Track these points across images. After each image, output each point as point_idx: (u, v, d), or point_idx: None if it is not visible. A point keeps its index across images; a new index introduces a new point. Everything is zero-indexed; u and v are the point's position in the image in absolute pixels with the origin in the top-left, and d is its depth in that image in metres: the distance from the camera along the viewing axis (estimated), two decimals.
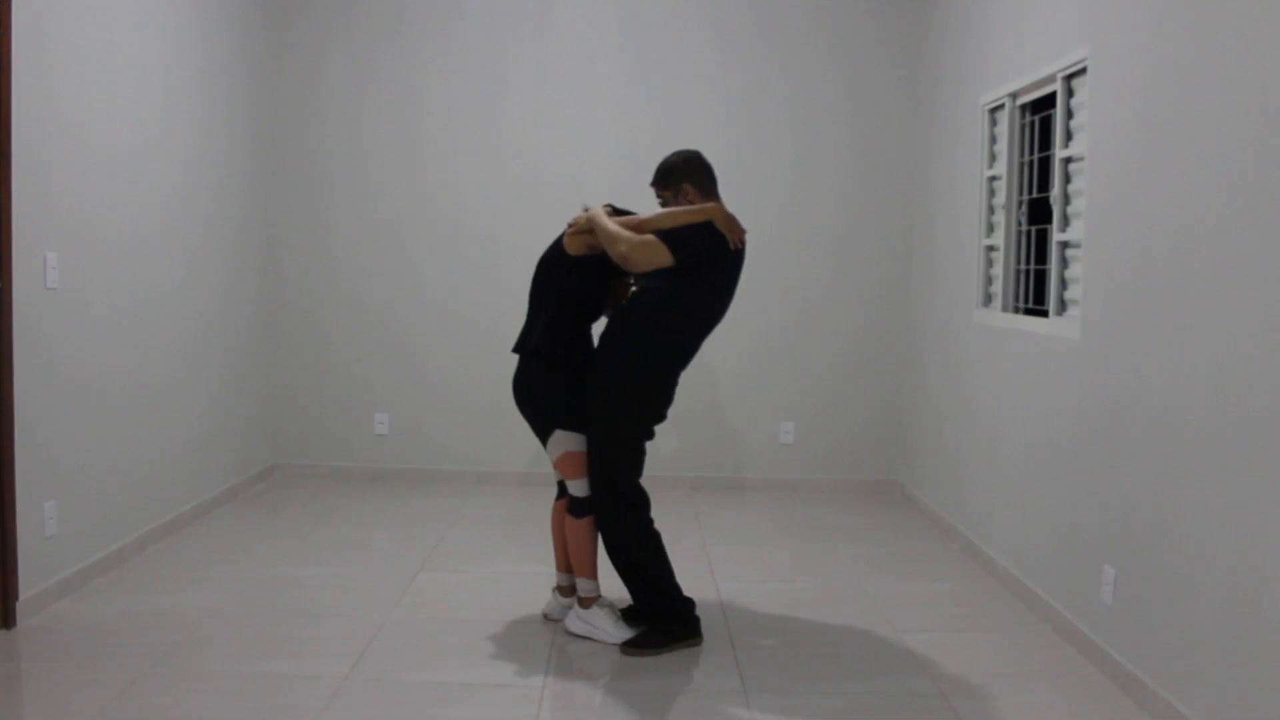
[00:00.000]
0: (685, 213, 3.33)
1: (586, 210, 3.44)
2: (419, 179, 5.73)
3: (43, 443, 3.60)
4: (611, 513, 3.45)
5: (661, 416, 3.49)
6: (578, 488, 3.48)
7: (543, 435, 3.49)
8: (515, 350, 3.56)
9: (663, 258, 3.27)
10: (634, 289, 3.54)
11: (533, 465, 5.79)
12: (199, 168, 4.85)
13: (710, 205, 3.34)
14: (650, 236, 3.28)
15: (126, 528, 4.21)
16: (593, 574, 3.51)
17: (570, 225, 3.45)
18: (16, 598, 3.46)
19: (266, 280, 5.70)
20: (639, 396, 3.42)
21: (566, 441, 3.45)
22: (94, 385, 3.94)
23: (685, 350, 3.44)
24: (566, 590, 3.64)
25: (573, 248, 3.43)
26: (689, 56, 5.66)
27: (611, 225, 3.32)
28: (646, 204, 3.60)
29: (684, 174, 3.46)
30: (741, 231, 3.38)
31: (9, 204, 3.37)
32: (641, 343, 3.38)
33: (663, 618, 3.47)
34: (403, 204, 5.74)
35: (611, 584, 3.78)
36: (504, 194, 5.71)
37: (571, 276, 3.46)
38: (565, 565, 3.65)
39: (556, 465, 3.49)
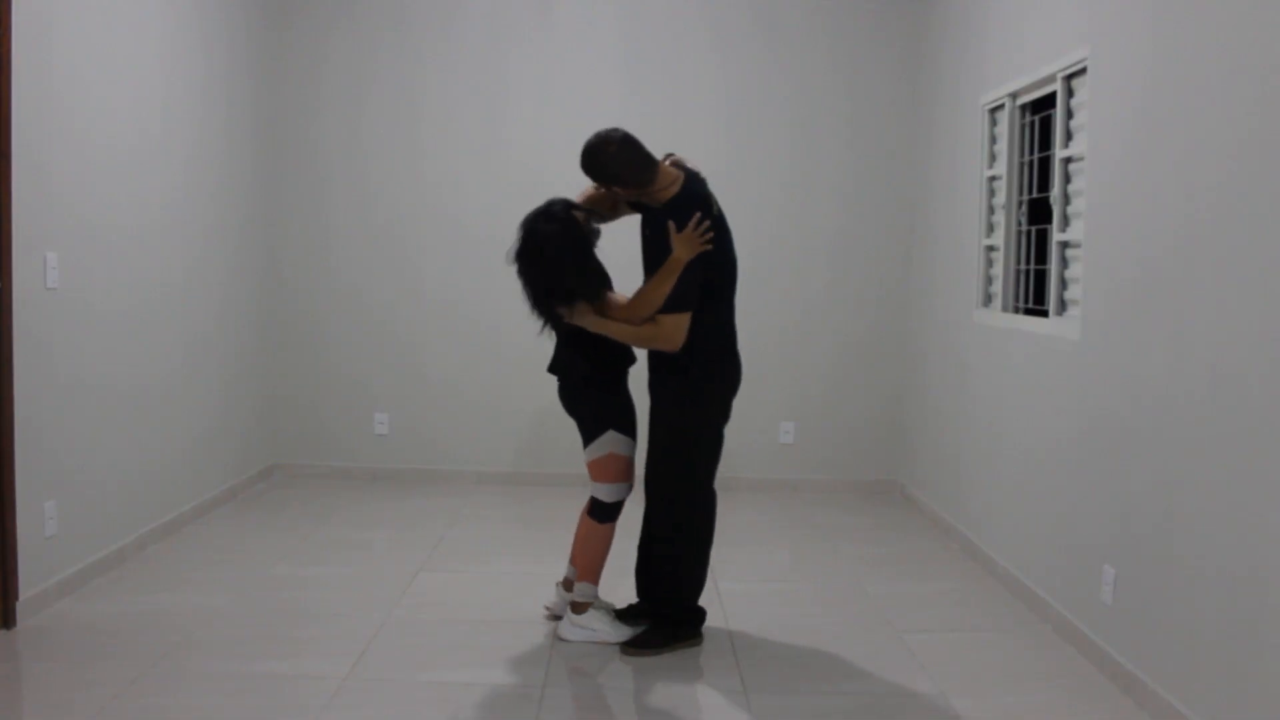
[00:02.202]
0: (664, 278, 3.22)
1: (573, 309, 3.32)
2: (419, 179, 5.73)
3: (43, 442, 3.60)
4: (688, 514, 3.42)
5: (738, 384, 3.46)
6: (609, 492, 3.44)
7: (592, 435, 3.43)
8: (552, 372, 3.51)
9: (685, 322, 3.24)
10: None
11: (533, 465, 5.79)
12: (199, 168, 4.85)
13: (675, 258, 3.21)
14: (664, 320, 3.23)
15: (126, 528, 4.21)
16: (595, 579, 3.50)
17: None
18: (16, 598, 3.46)
19: (266, 280, 5.70)
20: (710, 390, 3.39)
21: (614, 444, 3.42)
22: (94, 385, 3.94)
23: (728, 322, 3.41)
24: (571, 584, 3.62)
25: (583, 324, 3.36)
26: (689, 56, 5.66)
27: (621, 329, 3.28)
28: None
29: (609, 177, 3.27)
30: (701, 230, 3.21)
31: (9, 204, 3.38)
32: (691, 347, 3.32)
33: (665, 618, 3.47)
34: (403, 204, 5.74)
35: (605, 585, 3.78)
36: (504, 194, 5.69)
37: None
38: None
39: (594, 465, 3.44)
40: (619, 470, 3.44)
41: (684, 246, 3.21)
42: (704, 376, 3.37)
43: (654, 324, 3.26)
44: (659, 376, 3.42)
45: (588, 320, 3.31)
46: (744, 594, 4.00)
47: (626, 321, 3.30)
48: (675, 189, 3.30)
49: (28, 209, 3.48)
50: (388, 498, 5.43)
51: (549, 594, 3.81)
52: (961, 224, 4.85)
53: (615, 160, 3.24)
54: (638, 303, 3.27)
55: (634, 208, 3.50)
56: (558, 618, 3.61)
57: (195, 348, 4.84)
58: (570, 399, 3.50)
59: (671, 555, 3.44)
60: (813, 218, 5.73)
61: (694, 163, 3.49)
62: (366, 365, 5.81)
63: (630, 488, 3.50)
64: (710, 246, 3.25)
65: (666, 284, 3.23)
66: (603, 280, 3.40)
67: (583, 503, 5.27)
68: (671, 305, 3.23)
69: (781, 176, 5.70)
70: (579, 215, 3.35)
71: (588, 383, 3.46)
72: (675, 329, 3.25)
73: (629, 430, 3.46)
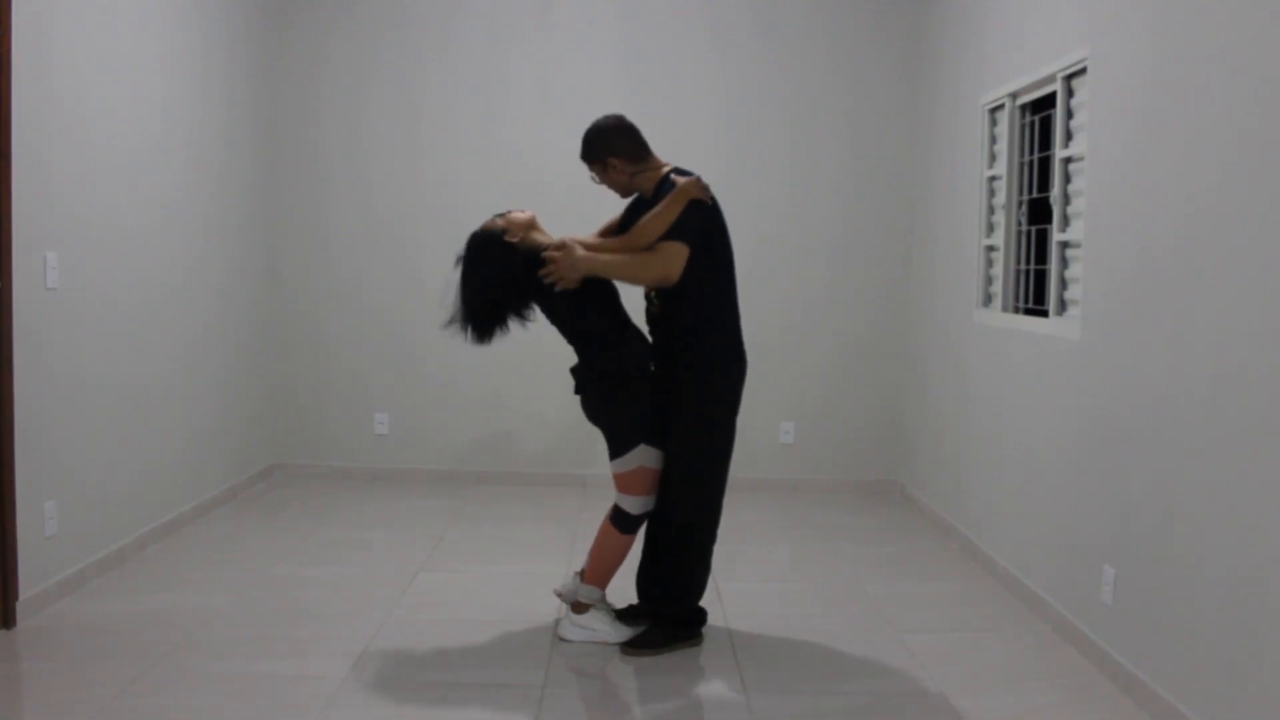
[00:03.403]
0: (669, 207, 3.23)
1: (557, 248, 3.26)
2: (419, 179, 5.73)
3: (43, 443, 3.60)
4: (698, 515, 3.43)
5: (745, 375, 3.48)
6: (635, 504, 3.39)
7: (622, 447, 3.35)
8: (577, 394, 3.45)
9: (683, 254, 3.24)
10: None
11: (533, 465, 5.79)
12: (199, 168, 4.85)
13: (682, 187, 3.23)
14: (663, 245, 3.23)
15: (126, 528, 4.21)
16: (602, 584, 3.49)
17: (550, 273, 3.25)
18: (16, 598, 3.46)
19: (266, 280, 5.70)
20: (720, 384, 3.40)
21: (645, 457, 3.36)
22: (94, 385, 3.94)
23: (733, 315, 3.42)
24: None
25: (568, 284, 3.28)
26: (689, 56, 5.66)
27: (615, 259, 3.26)
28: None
29: (606, 147, 3.38)
30: (706, 186, 3.31)
31: (9, 204, 3.37)
32: (703, 339, 3.34)
33: (666, 618, 3.47)
34: (403, 204, 5.74)
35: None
36: (504, 194, 5.68)
37: (582, 313, 3.35)
38: None
39: (621, 477, 3.38)
40: (647, 483, 3.39)
41: (694, 185, 3.26)
42: (713, 370, 3.38)
43: (651, 251, 3.25)
44: (668, 375, 3.42)
45: (579, 261, 3.22)
46: (744, 594, 4.01)
47: (624, 250, 3.28)
48: (667, 169, 3.43)
49: (28, 209, 3.48)
50: (388, 498, 5.43)
51: (549, 594, 3.81)
52: (961, 224, 4.85)
53: (613, 132, 3.39)
54: (638, 231, 3.28)
55: (622, 225, 3.53)
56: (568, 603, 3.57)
57: (195, 348, 4.84)
58: (591, 409, 3.43)
59: (678, 555, 3.44)
60: (813, 218, 5.73)
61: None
62: (366, 365, 5.81)
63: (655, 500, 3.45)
64: (711, 201, 3.31)
65: (671, 211, 3.23)
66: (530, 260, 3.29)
67: (582, 502, 5.31)
68: (672, 233, 3.24)
69: (781, 176, 5.70)
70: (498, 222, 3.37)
71: (605, 384, 3.37)
72: (672, 257, 3.23)
73: (659, 443, 3.38)
